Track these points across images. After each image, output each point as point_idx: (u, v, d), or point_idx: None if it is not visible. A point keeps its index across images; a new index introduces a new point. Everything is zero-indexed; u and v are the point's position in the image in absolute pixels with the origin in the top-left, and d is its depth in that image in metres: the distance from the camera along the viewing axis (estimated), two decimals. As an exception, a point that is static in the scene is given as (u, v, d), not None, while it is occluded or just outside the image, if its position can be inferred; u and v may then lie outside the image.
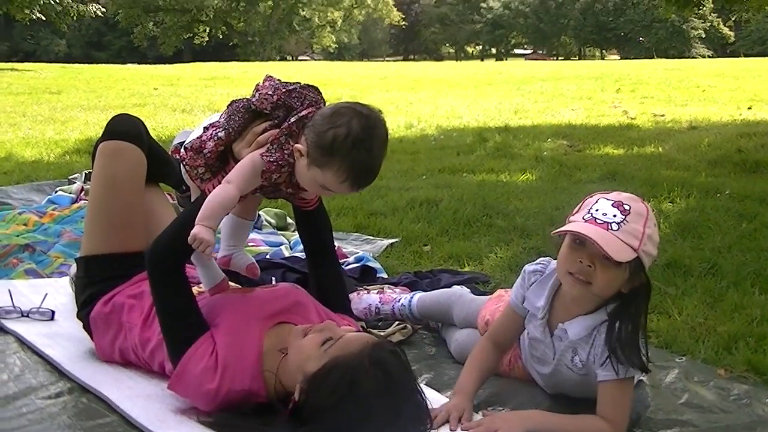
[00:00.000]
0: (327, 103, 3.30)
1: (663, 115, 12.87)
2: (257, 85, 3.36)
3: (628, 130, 11.54)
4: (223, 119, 3.35)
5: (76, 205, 6.27)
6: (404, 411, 3.02)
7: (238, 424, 3.12)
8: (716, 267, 5.23)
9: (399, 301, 4.40)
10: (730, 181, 7.94)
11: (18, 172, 8.46)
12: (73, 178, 7.30)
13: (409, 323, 4.35)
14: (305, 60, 74.40)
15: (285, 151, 3.17)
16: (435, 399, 3.43)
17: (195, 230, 3.12)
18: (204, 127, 3.41)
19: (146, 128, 3.95)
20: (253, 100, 3.31)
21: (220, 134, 3.31)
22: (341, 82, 21.48)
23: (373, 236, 6.23)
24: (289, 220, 6.36)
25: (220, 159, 3.32)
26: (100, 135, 3.88)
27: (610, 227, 3.06)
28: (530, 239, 6.00)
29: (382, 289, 4.66)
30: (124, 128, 3.84)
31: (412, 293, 4.47)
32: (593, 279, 3.14)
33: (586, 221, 3.11)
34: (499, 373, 3.77)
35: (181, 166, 3.43)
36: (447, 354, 4.13)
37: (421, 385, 3.25)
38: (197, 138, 3.36)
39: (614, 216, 3.07)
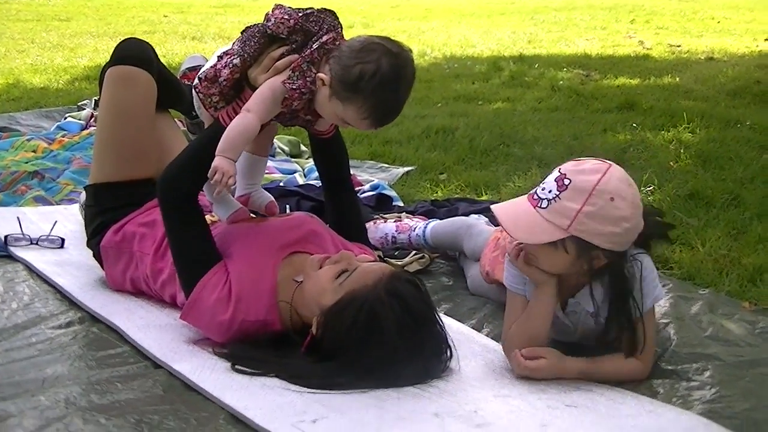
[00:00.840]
0: (343, 29, 3.20)
1: (679, 46, 12.67)
2: (267, 14, 3.24)
3: (644, 60, 11.35)
4: (237, 46, 3.24)
5: (85, 132, 6.17)
6: (425, 343, 2.97)
7: (253, 356, 3.06)
8: (739, 198, 5.13)
9: (414, 230, 4.34)
10: (750, 113, 7.79)
11: (26, 98, 8.33)
12: (83, 105, 7.19)
13: (427, 252, 4.27)
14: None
15: (307, 79, 3.06)
16: (455, 329, 3.41)
17: (216, 162, 3.03)
18: (218, 56, 3.30)
19: (155, 53, 3.85)
20: (269, 24, 3.19)
21: (235, 61, 3.19)
22: (352, 10, 21.23)
23: (388, 164, 6.14)
24: (303, 148, 6.27)
25: (235, 87, 3.21)
26: (108, 60, 3.78)
27: (539, 205, 2.94)
28: (548, 168, 5.78)
29: (399, 217, 4.59)
30: (133, 53, 3.74)
31: (428, 221, 4.40)
32: (536, 259, 3.07)
33: (527, 197, 3.02)
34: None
35: (195, 94, 3.33)
36: (464, 284, 4.08)
37: (441, 315, 3.18)
38: (211, 67, 3.26)
39: (549, 192, 2.94)
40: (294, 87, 3.06)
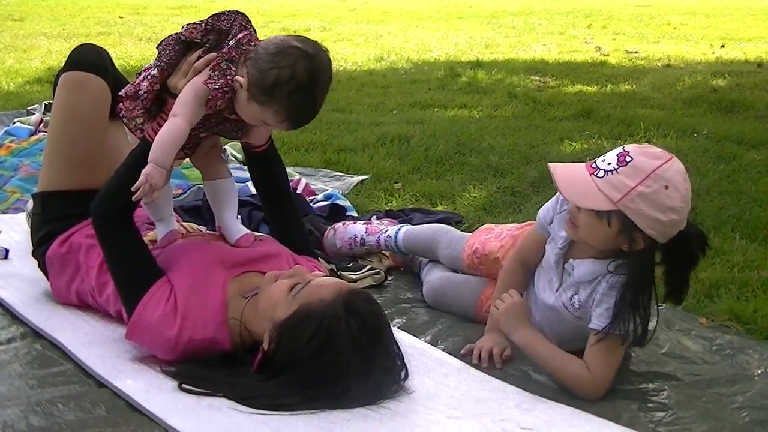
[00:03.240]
0: (256, 30, 3.19)
1: (636, 52, 12.70)
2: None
3: (601, 66, 11.37)
4: (154, 61, 3.22)
5: (34, 138, 6.05)
6: (378, 362, 2.92)
7: (202, 375, 2.99)
8: (696, 210, 5.08)
9: (385, 233, 4.31)
10: (707, 121, 7.81)
11: (-26, 102, 8.22)
12: (32, 109, 7.07)
13: (381, 268, 4.24)
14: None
15: (228, 77, 3.03)
16: (408, 343, 3.36)
17: (146, 169, 2.97)
18: (137, 74, 3.27)
19: (111, 59, 3.77)
20: (182, 31, 3.20)
21: (153, 72, 3.18)
22: (310, 13, 21.20)
23: (342, 173, 6.06)
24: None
25: (157, 101, 3.18)
26: (63, 65, 3.69)
27: (596, 173, 2.99)
28: (504, 178, 5.85)
29: (369, 220, 4.57)
30: (88, 58, 3.65)
31: (399, 225, 4.38)
32: (578, 222, 3.10)
33: (586, 164, 3.07)
34: (475, 317, 3.72)
35: (120, 116, 3.27)
36: (420, 298, 4.03)
37: (395, 330, 3.17)
38: (131, 84, 3.23)
39: (609, 164, 2.98)
40: (216, 87, 3.02)
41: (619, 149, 3.02)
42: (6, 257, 4.09)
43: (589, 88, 9.74)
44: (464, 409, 2.94)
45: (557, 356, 3.17)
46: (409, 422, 2.82)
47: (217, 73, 3.04)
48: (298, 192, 5.16)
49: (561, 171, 3.12)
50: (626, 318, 3.05)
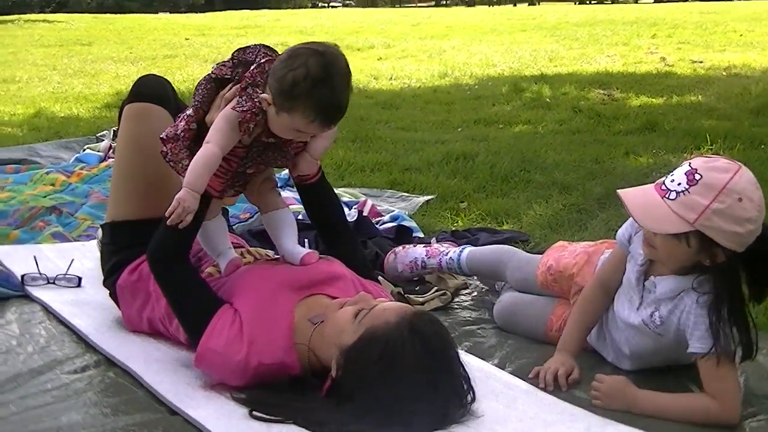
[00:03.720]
0: None
1: (701, 62, 12.62)
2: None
3: (666, 77, 11.30)
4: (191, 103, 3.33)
5: (104, 164, 6.17)
6: (444, 383, 2.92)
7: (272, 401, 3.01)
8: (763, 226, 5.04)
9: (447, 255, 4.30)
10: (774, 131, 7.73)
11: (47, 128, 8.36)
12: (101, 136, 7.19)
13: (449, 290, 4.24)
14: (337, 6, 74.07)
15: (255, 100, 3.09)
16: (476, 366, 3.35)
17: (179, 194, 3.07)
18: (176, 118, 3.38)
19: (173, 89, 3.84)
20: (213, 70, 3.30)
21: (188, 112, 3.29)
22: (373, 29, 21.30)
23: (407, 193, 6.09)
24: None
25: (198, 142, 3.22)
26: (127, 96, 3.78)
27: (667, 196, 2.99)
28: (570, 195, 5.85)
29: (433, 241, 4.58)
30: (151, 90, 3.74)
31: (462, 247, 4.36)
32: (656, 245, 3.11)
33: (654, 186, 3.07)
34: (544, 337, 3.71)
35: (165, 161, 3.33)
36: (488, 319, 4.02)
37: (462, 353, 3.15)
38: (170, 127, 3.31)
39: (679, 185, 2.98)
40: (245, 109, 3.08)
41: (686, 166, 3.01)
42: (79, 285, 4.15)
43: (653, 100, 9.69)
44: (533, 433, 2.92)
45: (681, 403, 3.13)
46: (477, 446, 2.81)
47: (244, 98, 3.11)
48: (364, 214, 5.19)
49: (632, 197, 3.11)
50: (728, 334, 3.04)
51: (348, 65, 3.11)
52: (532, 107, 9.52)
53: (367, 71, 12.45)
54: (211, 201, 3.24)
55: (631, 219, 3.32)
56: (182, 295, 3.26)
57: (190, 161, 3.20)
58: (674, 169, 3.07)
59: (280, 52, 3.19)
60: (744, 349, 3.07)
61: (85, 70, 13.11)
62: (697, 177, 2.94)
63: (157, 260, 3.27)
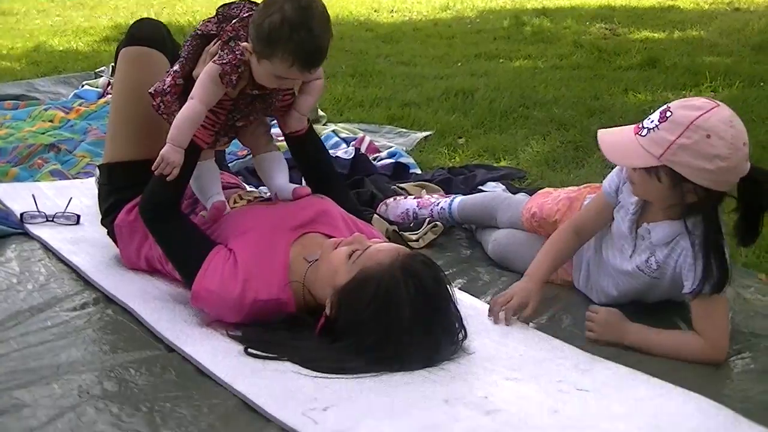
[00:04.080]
0: None
1: (706, -5, 12.55)
2: None
3: (669, 11, 11.24)
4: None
5: (102, 100, 6.16)
6: (437, 323, 2.98)
7: (267, 339, 3.07)
8: (760, 162, 4.99)
9: (438, 205, 4.34)
10: (775, 69, 7.71)
11: (46, 62, 8.31)
12: (100, 72, 7.16)
13: (439, 221, 4.29)
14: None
15: (236, 52, 3.11)
16: (468, 304, 3.40)
17: (163, 150, 3.14)
18: (165, 72, 3.42)
19: (169, 32, 3.87)
20: (198, 27, 3.34)
21: (174, 67, 3.33)
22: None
23: (406, 128, 6.10)
24: (321, 113, 6.17)
25: (185, 96, 3.25)
26: (122, 39, 3.81)
27: (639, 133, 3.06)
28: (568, 131, 5.86)
29: (418, 191, 4.62)
30: (147, 33, 3.77)
31: (452, 197, 4.40)
32: (634, 180, 3.18)
33: (634, 126, 3.13)
34: None
35: (158, 114, 3.38)
36: (481, 256, 4.08)
37: (456, 291, 3.19)
38: (159, 82, 3.35)
39: (651, 122, 3.05)
40: (225, 62, 3.11)
41: (664, 107, 3.07)
42: (78, 223, 4.19)
43: (655, 34, 9.65)
44: (522, 371, 2.98)
45: (669, 338, 3.20)
46: (468, 384, 2.87)
47: (225, 51, 3.13)
48: (361, 151, 5.20)
49: (607, 135, 3.22)
50: (713, 272, 3.08)
51: (325, 8, 3.12)
52: (533, 42, 9.47)
53: (368, 3, 12.37)
54: (201, 151, 3.28)
55: (617, 168, 3.39)
56: (174, 243, 3.33)
57: None
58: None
59: None
60: (716, 285, 3.10)
61: (84, 1, 12.98)
62: (668, 114, 3.00)
63: (148, 212, 3.33)
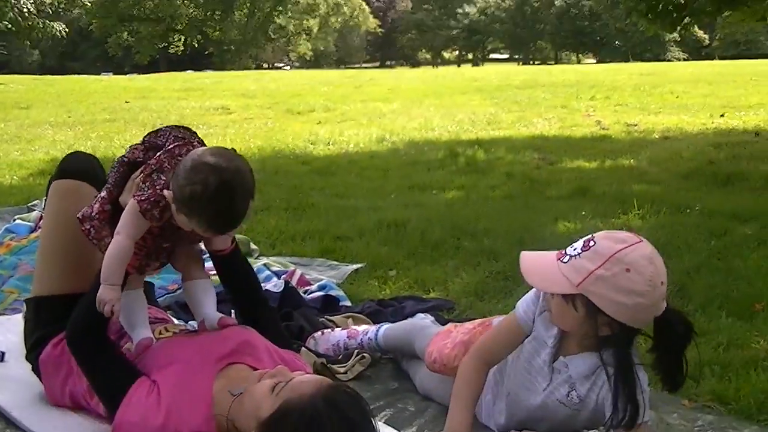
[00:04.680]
0: (202, 141, 3.32)
1: (636, 125, 12.84)
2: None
3: (601, 141, 11.50)
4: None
5: (34, 235, 6.15)
6: None
7: (193, 474, 3.03)
8: (684, 289, 5.17)
9: (366, 335, 4.34)
10: (702, 195, 7.91)
11: (-21, 197, 8.34)
12: (32, 206, 7.20)
13: (373, 354, 4.28)
14: (281, 68, 74.26)
15: (157, 187, 3.14)
16: (395, 440, 3.38)
17: (99, 292, 3.16)
18: (93, 198, 3.44)
19: (101, 165, 3.88)
20: (126, 154, 3.37)
21: (102, 194, 3.36)
22: (315, 91, 21.43)
23: (338, 261, 6.14)
24: (253, 246, 6.23)
25: (114, 222, 3.29)
26: (54, 172, 3.82)
27: (561, 259, 3.07)
28: (498, 262, 5.92)
29: (346, 323, 4.62)
30: (77, 166, 3.79)
31: (379, 325, 4.41)
32: (551, 308, 3.19)
33: (557, 252, 3.14)
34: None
35: (89, 240, 3.39)
36: (408, 388, 4.08)
37: (380, 424, 3.18)
38: (87, 207, 3.38)
39: (574, 250, 3.06)
40: (143, 198, 3.14)
41: (589, 236, 3.09)
42: (2, 360, 4.14)
43: (587, 164, 9.85)
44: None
45: None
46: None
47: (147, 184, 3.17)
48: (292, 284, 5.23)
49: (529, 257, 3.21)
50: (624, 409, 3.07)
51: (250, 179, 3.15)
52: (466, 172, 9.64)
53: (304, 136, 12.55)
54: (128, 276, 3.29)
55: (532, 295, 3.38)
56: (99, 370, 3.29)
57: (112, 238, 3.25)
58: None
59: (194, 132, 3.28)
60: (628, 420, 3.10)
61: (22, 135, 13.09)
62: (591, 244, 3.02)
63: (75, 336, 3.32)
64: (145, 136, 3.34)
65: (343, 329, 4.49)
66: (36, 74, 35.47)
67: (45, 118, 15.56)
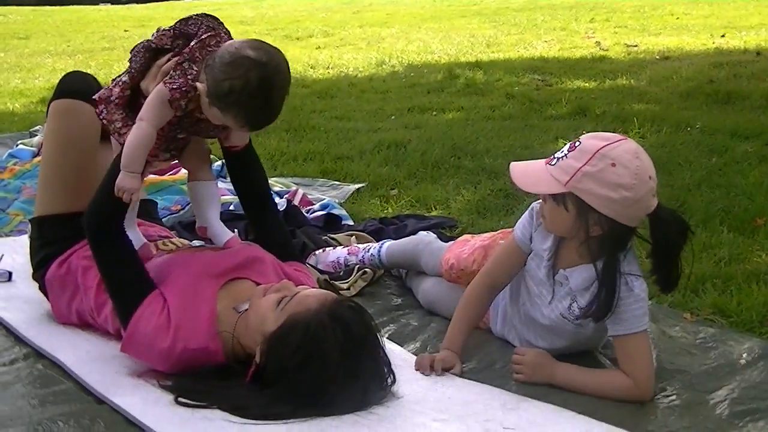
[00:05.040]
0: (228, 32, 3.25)
1: (636, 46, 12.73)
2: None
3: (600, 62, 11.41)
4: (127, 66, 3.31)
5: (36, 159, 6.16)
6: (365, 369, 3.00)
7: (198, 388, 3.07)
8: (685, 205, 5.18)
9: (368, 251, 4.38)
10: (702, 114, 7.87)
11: (-20, 124, 8.33)
12: (35, 131, 7.20)
13: (372, 269, 4.33)
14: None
15: (189, 77, 3.09)
16: (398, 353, 3.44)
17: (118, 180, 3.12)
18: (112, 80, 3.38)
19: (99, 84, 3.86)
20: (152, 39, 3.28)
21: (123, 78, 3.29)
22: (313, 17, 21.25)
23: (339, 181, 6.16)
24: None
25: (131, 107, 3.26)
26: (53, 94, 3.81)
27: (549, 162, 3.13)
28: (498, 180, 5.93)
29: (349, 241, 4.67)
30: (76, 86, 3.77)
31: (382, 242, 4.44)
32: (545, 213, 3.24)
33: (546, 158, 3.17)
34: None
35: (100, 120, 3.37)
36: (411, 303, 4.13)
37: (387, 340, 3.24)
38: (105, 89, 3.34)
39: (561, 152, 3.12)
40: (175, 86, 3.08)
41: (575, 139, 3.14)
42: (9, 279, 4.19)
43: (586, 84, 9.79)
44: (450, 412, 3.02)
45: (596, 378, 3.23)
46: (395, 426, 2.90)
47: (177, 72, 3.10)
48: (294, 203, 5.25)
49: (519, 166, 3.26)
50: (600, 304, 3.15)
51: (288, 75, 3.12)
52: (466, 94, 9.59)
53: (304, 60, 12.47)
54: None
55: (527, 215, 3.42)
56: (118, 272, 3.29)
57: (123, 123, 3.25)
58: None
59: (221, 22, 3.23)
60: (595, 310, 3.18)
61: (21, 64, 13.03)
62: (577, 144, 3.08)
63: (93, 223, 3.29)
64: (176, 23, 3.25)
65: (344, 247, 4.52)
66: (34, 5, 35.12)
67: (44, 47, 15.46)
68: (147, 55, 3.27)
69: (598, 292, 3.16)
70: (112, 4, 36.03)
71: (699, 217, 4.96)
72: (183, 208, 5.14)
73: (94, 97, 3.34)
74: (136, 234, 3.50)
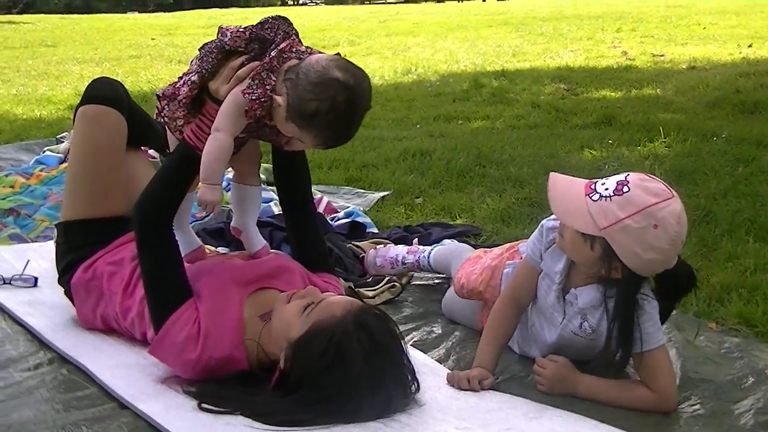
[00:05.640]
0: (300, 37, 3.21)
1: (662, 55, 12.72)
2: (220, 30, 3.28)
3: (626, 71, 11.40)
4: (195, 64, 3.27)
5: (63, 165, 6.19)
6: (389, 376, 3.00)
7: (221, 394, 3.07)
8: (711, 214, 5.16)
9: (424, 252, 4.41)
10: (728, 124, 7.85)
11: (9, 130, 8.39)
12: (62, 138, 7.23)
13: (398, 281, 4.33)
14: (307, 5, 73.87)
15: (267, 87, 3.06)
16: (421, 361, 3.44)
17: (201, 192, 3.11)
18: (179, 77, 3.33)
19: (126, 91, 3.88)
20: (226, 40, 3.22)
21: (193, 78, 3.23)
22: (340, 26, 21.35)
23: (364, 189, 6.18)
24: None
25: (196, 104, 3.24)
26: (80, 99, 3.82)
27: (591, 195, 3.03)
28: (523, 189, 5.93)
29: (374, 248, 4.67)
30: (104, 92, 3.77)
31: (433, 246, 4.47)
32: (564, 235, 3.16)
33: (586, 182, 3.11)
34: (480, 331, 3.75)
35: (159, 117, 3.35)
36: (436, 311, 4.12)
37: (411, 348, 3.24)
38: (171, 85, 3.29)
39: (606, 189, 3.02)
40: (254, 97, 3.05)
41: (621, 176, 3.05)
42: (35, 285, 4.20)
43: (613, 93, 9.78)
44: (472, 420, 3.01)
45: (619, 390, 3.21)
46: (417, 434, 2.89)
47: (256, 82, 3.06)
48: (319, 211, 5.25)
49: (559, 182, 3.19)
50: (620, 341, 3.14)
51: (370, 100, 3.12)
52: (491, 103, 9.60)
53: (330, 69, 12.48)
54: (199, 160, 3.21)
55: (536, 234, 3.40)
56: (160, 274, 3.26)
57: (185, 120, 3.24)
58: (613, 174, 3.11)
59: (291, 24, 3.19)
60: (619, 360, 3.17)
61: (49, 71, 13.13)
62: (625, 189, 2.98)
63: (148, 228, 3.26)
64: (252, 26, 3.19)
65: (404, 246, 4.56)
66: (62, 14, 35.36)
67: (72, 55, 15.57)
68: (220, 56, 3.22)
69: (609, 329, 3.16)
70: (140, 12, 36.26)
71: (725, 226, 4.94)
72: (206, 215, 5.14)
73: (157, 93, 3.31)
74: (191, 236, 3.51)
